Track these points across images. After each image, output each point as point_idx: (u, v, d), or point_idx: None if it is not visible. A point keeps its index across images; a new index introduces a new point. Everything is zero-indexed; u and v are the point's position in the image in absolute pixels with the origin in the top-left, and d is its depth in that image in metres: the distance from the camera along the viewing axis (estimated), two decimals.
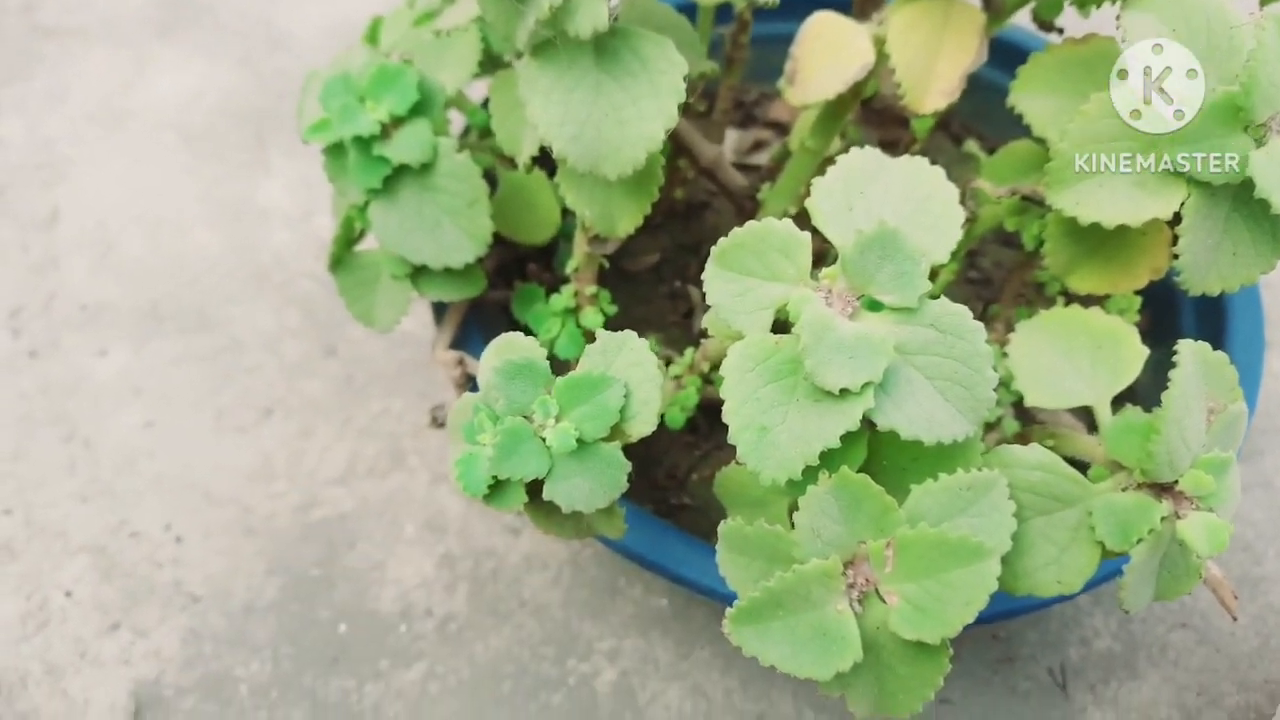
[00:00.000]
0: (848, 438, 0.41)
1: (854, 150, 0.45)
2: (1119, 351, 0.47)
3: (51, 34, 1.22)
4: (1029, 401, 0.47)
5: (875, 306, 0.42)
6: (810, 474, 0.42)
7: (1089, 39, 0.48)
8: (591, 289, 0.62)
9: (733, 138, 0.89)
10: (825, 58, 0.51)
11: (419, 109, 0.55)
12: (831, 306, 0.42)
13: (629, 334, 0.46)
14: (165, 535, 0.83)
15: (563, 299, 0.63)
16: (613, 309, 0.66)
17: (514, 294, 0.68)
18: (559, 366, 0.67)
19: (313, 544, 0.82)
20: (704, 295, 0.61)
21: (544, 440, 0.43)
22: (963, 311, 0.42)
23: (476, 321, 0.70)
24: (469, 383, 0.66)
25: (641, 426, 0.45)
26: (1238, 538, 0.85)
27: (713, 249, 0.45)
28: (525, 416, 0.44)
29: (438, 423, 0.66)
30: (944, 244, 0.43)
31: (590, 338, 0.65)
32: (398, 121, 0.55)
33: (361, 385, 0.91)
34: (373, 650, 0.77)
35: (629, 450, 0.45)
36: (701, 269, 0.85)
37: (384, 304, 0.62)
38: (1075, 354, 0.47)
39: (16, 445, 0.87)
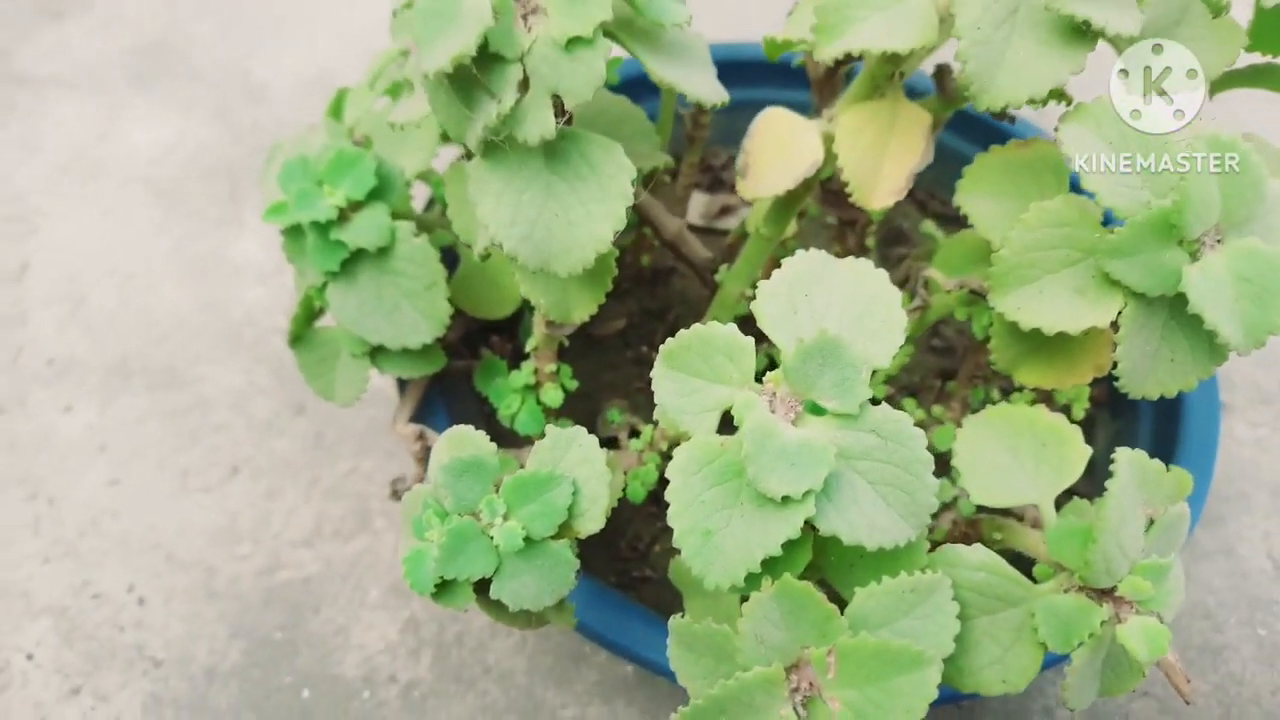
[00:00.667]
0: (789, 545, 0.42)
1: (800, 253, 0.46)
2: (1063, 451, 0.47)
3: (25, 82, 1.22)
4: (975, 499, 0.48)
5: (818, 411, 0.43)
6: (755, 577, 0.42)
7: (1032, 142, 0.49)
8: (551, 366, 0.62)
9: (701, 202, 0.90)
10: (776, 154, 0.52)
11: (377, 193, 0.56)
12: (775, 411, 0.43)
13: (578, 431, 0.46)
14: (128, 597, 0.82)
15: (523, 375, 0.63)
16: (574, 384, 0.66)
17: (478, 366, 0.68)
18: (518, 440, 0.68)
19: (276, 608, 0.82)
20: None
21: (491, 539, 0.44)
22: (903, 419, 0.42)
23: (440, 391, 0.70)
24: (429, 455, 0.67)
25: (590, 524, 0.45)
26: (1198, 605, 0.86)
27: (661, 348, 0.45)
28: (473, 514, 0.44)
29: (397, 495, 0.66)
30: (885, 349, 0.44)
31: (550, 414, 0.65)
32: (355, 206, 0.56)
33: (330, 444, 0.91)
34: (336, 716, 0.77)
35: None
36: (668, 335, 0.86)
37: (344, 380, 0.62)
38: (1020, 453, 0.48)
39: None
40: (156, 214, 1.09)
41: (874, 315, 0.45)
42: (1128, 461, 0.42)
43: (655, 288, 0.86)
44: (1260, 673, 0.82)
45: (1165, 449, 0.71)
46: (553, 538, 0.44)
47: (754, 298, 0.48)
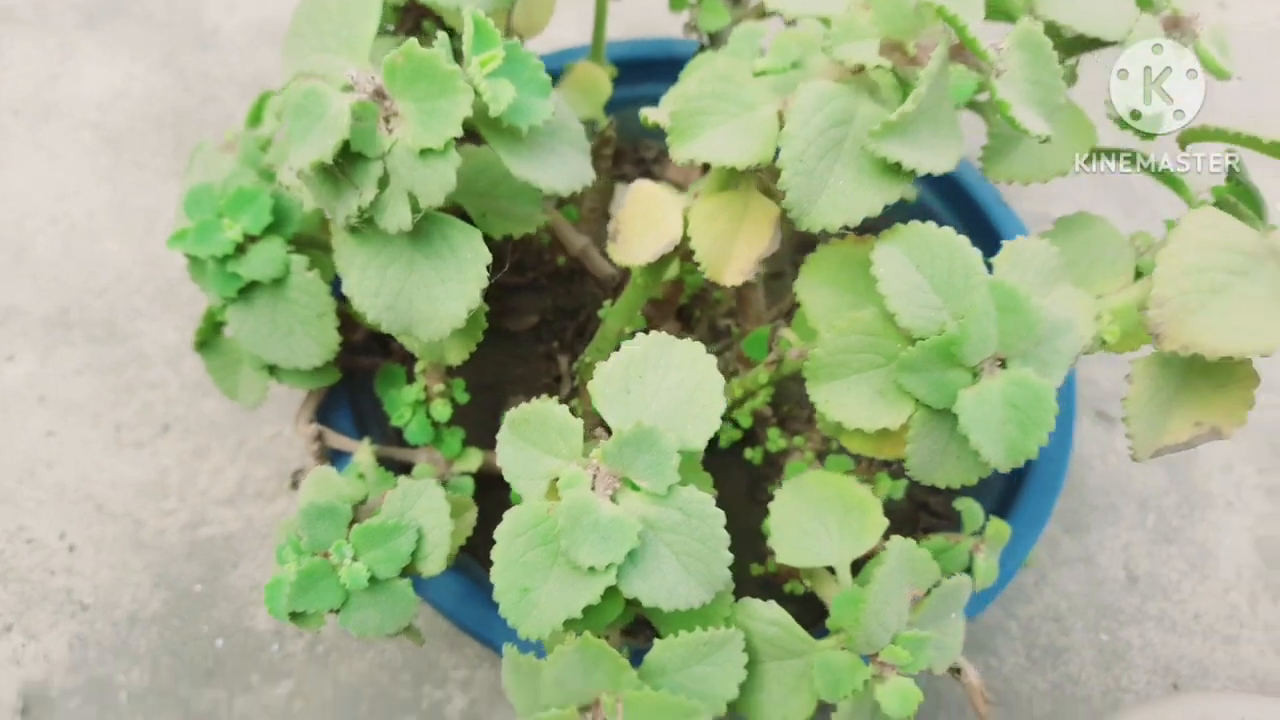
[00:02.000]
0: (609, 593, 0.48)
1: (639, 336, 0.51)
2: (864, 520, 0.53)
3: None
4: (779, 559, 0.54)
5: (636, 486, 0.48)
6: (569, 625, 0.48)
7: (866, 239, 0.53)
8: (440, 386, 0.67)
9: None
10: (642, 226, 0.56)
11: (274, 227, 0.60)
12: (596, 486, 0.48)
13: (428, 483, 0.52)
14: (60, 544, 0.89)
15: (413, 391, 0.68)
16: (465, 397, 0.71)
17: (378, 371, 0.73)
18: (408, 451, 0.73)
19: (198, 561, 0.88)
20: (571, 365, 0.64)
21: (339, 578, 0.50)
22: (706, 500, 0.48)
23: (347, 389, 0.75)
24: (327, 455, 0.72)
25: (432, 566, 0.51)
26: (1051, 608, 0.94)
27: (507, 415, 0.50)
28: (325, 554, 0.50)
29: (295, 485, 0.72)
30: (703, 432, 0.49)
31: (437, 427, 0.71)
32: (253, 239, 0.60)
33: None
34: (245, 665, 0.84)
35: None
36: (577, 335, 0.90)
37: (246, 386, 0.67)
38: (826, 518, 0.54)
39: None
40: (104, 161, 1.11)
41: (697, 401, 0.50)
42: (897, 550, 0.48)
43: (570, 285, 0.90)
44: (1095, 675, 0.91)
45: (1016, 485, 0.77)
46: (397, 577, 0.50)
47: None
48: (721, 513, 0.48)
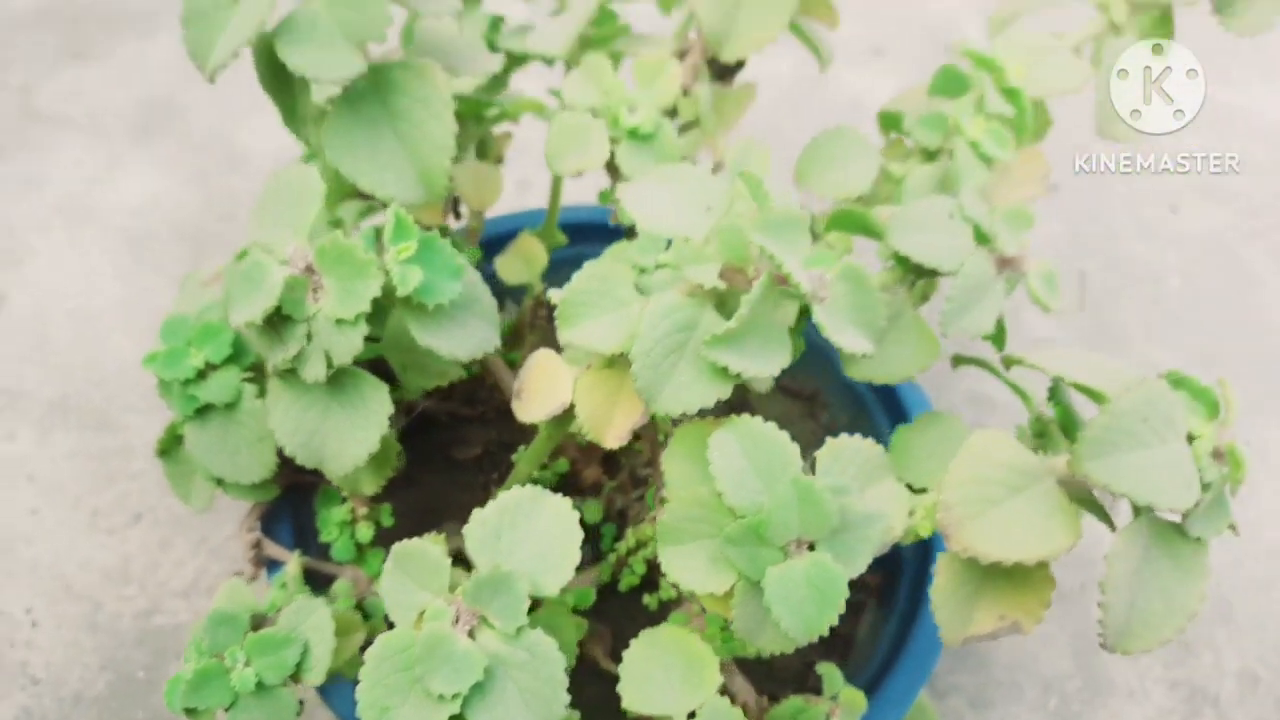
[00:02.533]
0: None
1: (516, 489, 0.59)
2: (702, 674, 0.60)
3: (41, 118, 1.38)
4: (625, 703, 0.60)
5: (492, 625, 0.55)
6: None
7: (722, 420, 0.61)
8: (364, 510, 0.75)
9: None
10: (540, 389, 0.64)
11: (232, 358, 0.69)
12: (458, 621, 0.55)
13: (318, 602, 0.59)
14: (25, 618, 0.96)
15: (341, 512, 0.76)
16: (390, 521, 0.79)
17: (319, 490, 0.81)
18: (335, 567, 0.81)
19: (146, 648, 0.95)
20: None
21: (230, 680, 0.57)
22: (550, 644, 0.55)
23: (290, 501, 0.83)
24: (264, 562, 0.80)
25: (314, 677, 0.58)
26: None
27: (394, 547, 0.58)
28: (221, 657, 0.57)
29: None
30: (557, 580, 0.56)
31: (361, 548, 0.78)
32: (213, 367, 0.69)
33: (222, 509, 1.03)
34: None
35: None
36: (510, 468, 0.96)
37: (197, 493, 0.76)
38: (671, 670, 0.60)
39: None
40: (126, 263, 1.23)
41: (556, 552, 0.57)
42: (710, 708, 0.54)
43: (514, 421, 0.98)
44: None
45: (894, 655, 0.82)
46: (281, 685, 0.57)
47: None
48: (563, 657, 0.55)
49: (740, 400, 1.02)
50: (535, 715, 0.54)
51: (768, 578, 0.53)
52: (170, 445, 0.75)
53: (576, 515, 0.58)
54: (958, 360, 0.73)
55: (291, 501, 0.83)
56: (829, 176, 0.77)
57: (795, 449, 0.56)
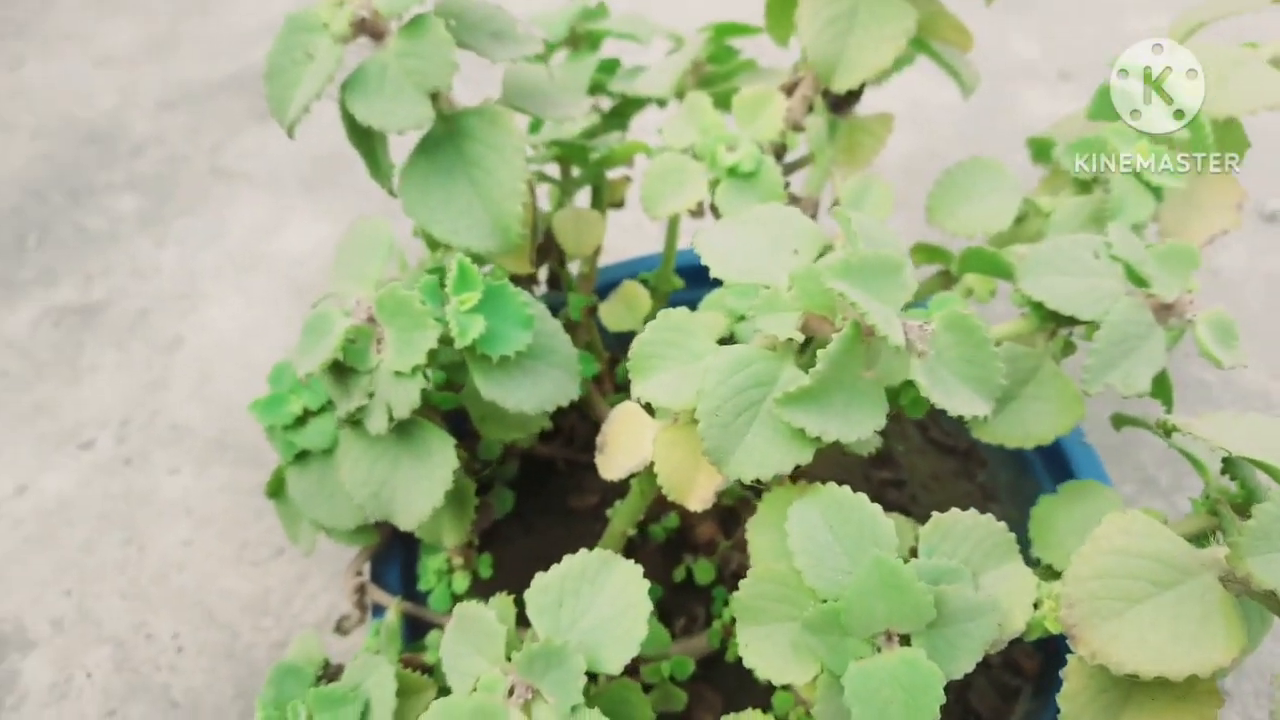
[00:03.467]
0: None
1: (583, 553, 0.54)
2: None
3: (224, 175, 1.49)
4: None
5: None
6: None
7: (807, 487, 0.54)
8: (460, 560, 0.73)
9: None
10: (623, 444, 0.60)
11: (328, 405, 0.69)
12: (513, 692, 0.51)
13: (382, 660, 0.57)
14: (171, 643, 1.01)
15: (437, 561, 0.74)
16: (489, 572, 0.76)
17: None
18: (435, 615, 0.79)
19: None
20: None
21: None
22: None
23: (401, 546, 0.83)
24: (368, 606, 0.79)
25: None
26: None
27: (455, 611, 0.55)
28: (284, 711, 0.56)
29: (341, 630, 0.79)
30: (623, 655, 0.52)
31: (457, 598, 0.76)
32: (311, 414, 0.69)
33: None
34: None
35: None
36: None
37: (305, 534, 0.76)
38: None
39: (90, 538, 1.09)
40: (289, 310, 1.30)
41: (622, 625, 0.52)
42: None
43: None
44: None
45: None
46: None
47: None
48: None
49: (885, 454, 0.94)
50: None
51: (849, 674, 0.46)
52: (277, 488, 0.77)
53: (645, 584, 0.53)
54: (1119, 420, 0.63)
55: (402, 549, 0.83)
56: (962, 212, 0.69)
57: (890, 525, 0.48)
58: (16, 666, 1.00)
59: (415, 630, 0.78)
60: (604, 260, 0.99)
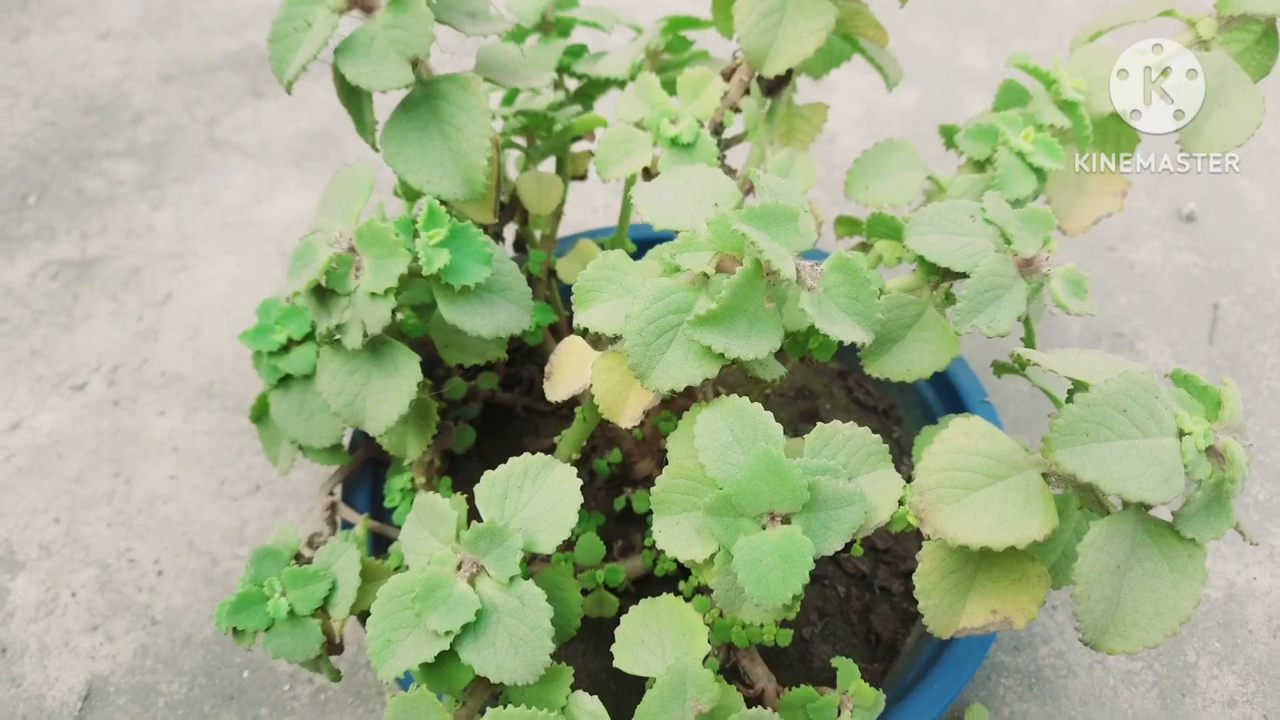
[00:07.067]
0: (454, 659, 0.59)
1: (526, 455, 0.64)
2: (692, 642, 0.62)
3: (219, 146, 1.57)
4: (615, 662, 0.63)
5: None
6: (430, 683, 0.60)
7: (714, 400, 0.63)
8: (422, 478, 0.82)
9: None
10: (566, 372, 0.69)
11: (309, 336, 0.78)
12: (461, 567, 0.60)
13: (349, 546, 0.66)
14: (152, 567, 1.09)
15: (401, 480, 0.83)
16: (448, 494, 0.85)
17: (392, 462, 0.89)
18: (397, 531, 0.88)
19: None
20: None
21: (266, 607, 0.64)
22: (538, 594, 0.59)
23: (371, 469, 0.92)
24: (339, 524, 0.88)
25: (339, 613, 0.65)
26: None
27: (416, 498, 0.64)
28: (261, 586, 0.65)
29: (313, 546, 0.88)
30: (555, 538, 0.61)
31: None
32: (295, 342, 0.78)
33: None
34: (260, 698, 1.00)
35: None
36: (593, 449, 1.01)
37: (283, 455, 0.85)
38: (664, 637, 0.63)
39: (80, 471, 1.17)
40: (277, 273, 1.38)
41: (556, 514, 0.62)
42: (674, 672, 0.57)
43: None
44: None
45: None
46: (310, 615, 0.64)
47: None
48: (550, 608, 0.59)
49: (811, 411, 1.03)
50: (521, 658, 0.59)
51: (737, 546, 0.55)
52: (261, 413, 0.85)
53: (578, 483, 0.63)
54: (999, 368, 0.72)
55: (372, 474, 0.92)
56: (875, 186, 0.79)
57: (778, 428, 0.58)
58: (6, 585, 1.08)
59: (380, 547, 0.87)
60: (567, 232, 1.08)
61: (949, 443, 0.54)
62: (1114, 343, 1.25)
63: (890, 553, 0.93)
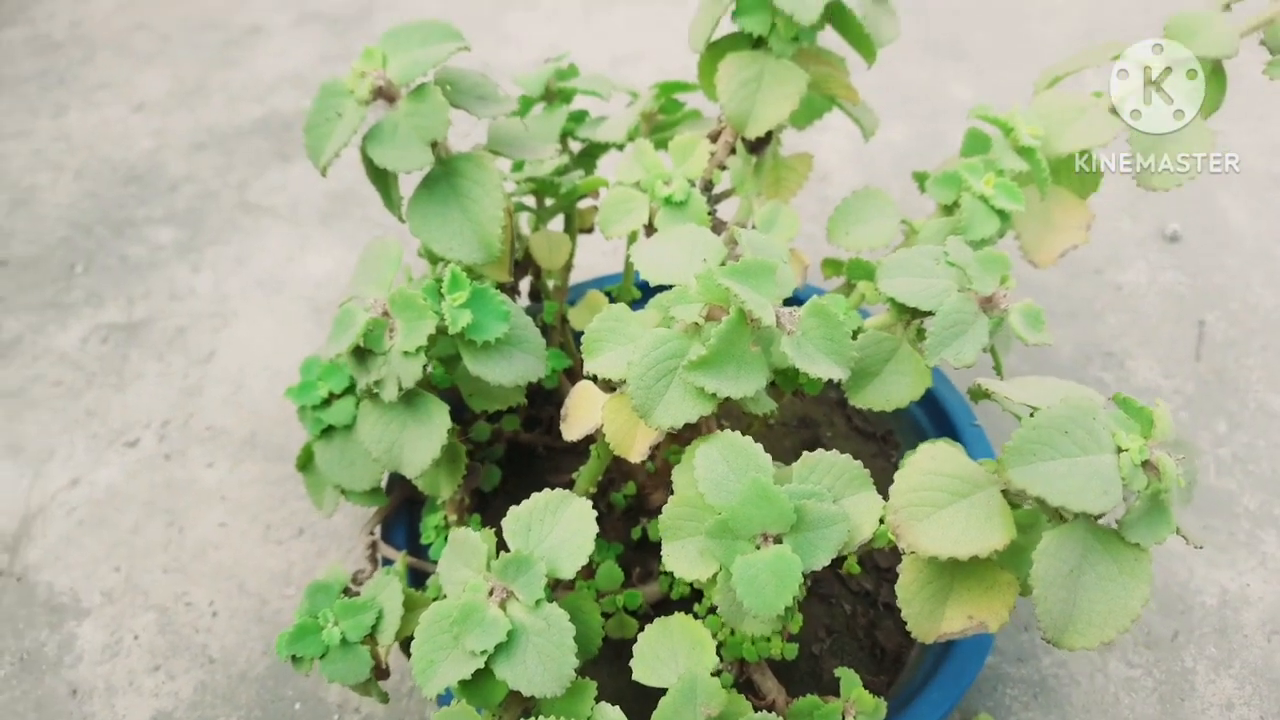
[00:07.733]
0: (489, 676, 0.66)
1: (546, 490, 0.71)
2: (702, 655, 0.69)
3: (251, 209, 1.67)
4: (635, 676, 0.70)
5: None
6: (470, 699, 0.67)
7: (711, 434, 0.71)
8: (454, 516, 0.90)
9: None
10: (582, 412, 0.77)
11: (349, 390, 0.86)
12: (493, 593, 0.68)
13: (393, 579, 0.73)
14: (207, 609, 1.17)
15: (435, 519, 0.91)
16: (479, 528, 0.93)
17: (426, 501, 0.97)
18: (433, 566, 0.96)
19: None
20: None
21: (321, 635, 0.72)
22: (562, 615, 0.66)
23: (408, 509, 1.00)
24: (379, 561, 0.96)
25: (385, 639, 0.72)
26: None
27: (450, 534, 0.71)
28: (316, 617, 0.73)
29: (357, 582, 0.96)
30: (575, 564, 0.68)
31: None
32: (336, 396, 0.86)
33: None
34: None
35: None
36: (609, 484, 1.09)
37: (328, 499, 0.93)
38: (676, 651, 0.70)
39: (137, 522, 1.25)
40: (310, 328, 1.48)
41: (574, 543, 0.69)
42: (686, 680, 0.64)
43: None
44: None
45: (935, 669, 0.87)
46: (360, 643, 0.72)
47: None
48: (573, 627, 0.66)
49: (813, 439, 1.10)
50: (549, 673, 0.66)
51: (735, 565, 0.62)
52: (306, 461, 0.94)
53: (593, 515, 0.70)
54: (975, 394, 0.79)
55: (407, 513, 1.00)
56: (855, 232, 0.86)
57: (768, 458, 0.65)
58: (74, 631, 1.16)
59: (417, 580, 0.95)
60: (579, 278, 1.17)
61: (917, 466, 0.61)
62: (1104, 361, 1.31)
63: (892, 571, 1.00)
